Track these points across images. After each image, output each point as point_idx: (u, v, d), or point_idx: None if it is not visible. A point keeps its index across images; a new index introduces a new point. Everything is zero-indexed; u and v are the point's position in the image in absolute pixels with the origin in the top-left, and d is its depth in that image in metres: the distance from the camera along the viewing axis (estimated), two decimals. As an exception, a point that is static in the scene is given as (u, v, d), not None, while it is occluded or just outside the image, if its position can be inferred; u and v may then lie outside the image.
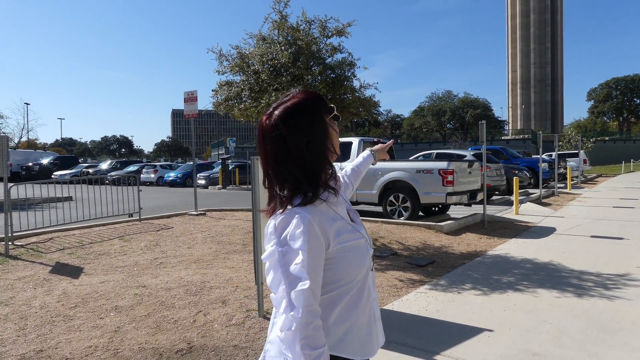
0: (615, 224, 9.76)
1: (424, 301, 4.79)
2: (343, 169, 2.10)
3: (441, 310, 4.50)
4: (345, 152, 10.85)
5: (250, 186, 6.76)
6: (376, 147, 2.31)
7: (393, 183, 10.26)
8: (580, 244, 7.70)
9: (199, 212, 10.86)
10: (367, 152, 2.22)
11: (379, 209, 10.63)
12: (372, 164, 2.22)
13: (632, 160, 40.13)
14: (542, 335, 3.85)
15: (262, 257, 1.32)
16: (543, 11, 71.59)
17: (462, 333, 3.91)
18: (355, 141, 10.96)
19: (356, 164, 2.14)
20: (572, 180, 21.24)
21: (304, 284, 1.20)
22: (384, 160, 2.39)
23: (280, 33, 8.47)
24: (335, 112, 1.42)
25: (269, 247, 1.28)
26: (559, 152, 20.79)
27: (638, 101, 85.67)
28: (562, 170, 21.81)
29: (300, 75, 8.02)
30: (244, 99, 8.33)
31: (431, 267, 6.28)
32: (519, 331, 3.95)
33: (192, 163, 14.51)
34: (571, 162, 24.47)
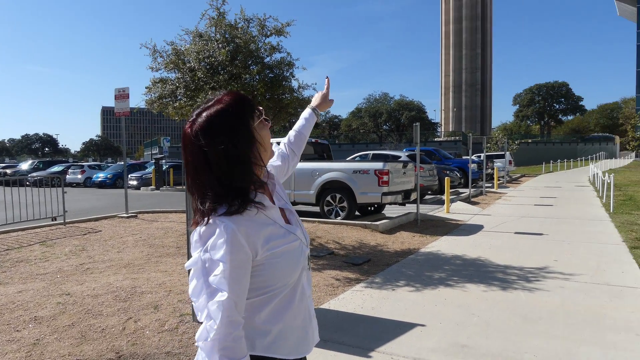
0: (537, 220, 10.41)
1: (359, 299, 4.87)
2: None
3: (376, 308, 4.59)
4: (283, 153, 10.82)
5: (184, 187, 6.57)
6: (314, 99, 2.00)
7: (330, 183, 10.36)
8: (505, 240, 8.14)
9: (130, 215, 10.41)
10: (307, 111, 1.98)
11: (317, 209, 10.70)
12: (317, 122, 2.01)
13: (551, 161, 43.00)
14: (471, 328, 4.02)
15: (186, 264, 1.28)
16: (474, 18, 75.10)
17: (396, 329, 4.00)
18: (293, 141, 10.96)
19: (298, 127, 1.92)
20: (499, 180, 22.42)
21: (223, 295, 1.17)
22: (329, 108, 2.16)
23: (217, 30, 8.30)
24: (264, 116, 1.33)
25: (195, 254, 1.24)
26: (487, 154, 21.88)
27: (557, 106, 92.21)
28: (489, 170, 22.99)
29: (238, 74, 7.90)
30: (179, 97, 8.09)
31: (367, 265, 6.39)
32: (449, 325, 4.10)
33: (122, 163, 13.90)
34: (498, 163, 25.83)
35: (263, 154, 1.31)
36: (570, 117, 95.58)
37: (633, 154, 53.69)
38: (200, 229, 1.23)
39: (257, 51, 8.37)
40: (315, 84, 8.71)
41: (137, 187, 24.73)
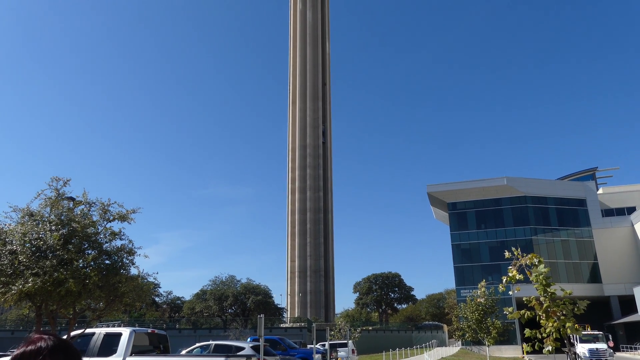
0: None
1: None
2: None
3: None
4: (111, 345, 9.60)
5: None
6: None
7: (163, 383, 9.24)
8: None
9: None
10: None
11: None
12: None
13: (390, 349, 44.59)
14: None
15: None
16: (317, 211, 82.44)
17: None
18: (125, 332, 9.85)
19: None
20: (343, 372, 22.25)
21: None
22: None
23: (52, 211, 7.82)
24: None
25: None
26: (330, 342, 21.96)
27: (392, 295, 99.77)
28: (333, 361, 22.86)
29: (70, 260, 7.26)
30: (-10, 281, 7.04)
31: None
32: None
33: None
34: (341, 352, 25.94)
35: None
36: (404, 306, 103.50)
37: (459, 342, 58.61)
38: None
39: (96, 235, 7.93)
40: (157, 272, 8.39)
41: None
